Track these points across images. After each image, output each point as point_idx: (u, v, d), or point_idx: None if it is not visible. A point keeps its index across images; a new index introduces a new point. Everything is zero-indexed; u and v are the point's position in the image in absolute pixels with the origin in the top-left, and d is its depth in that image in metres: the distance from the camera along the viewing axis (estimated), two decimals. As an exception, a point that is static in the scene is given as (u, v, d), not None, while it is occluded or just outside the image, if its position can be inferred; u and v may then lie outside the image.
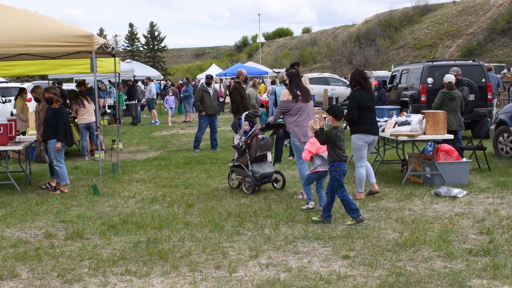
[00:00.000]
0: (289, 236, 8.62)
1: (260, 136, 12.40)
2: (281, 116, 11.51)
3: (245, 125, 12.59)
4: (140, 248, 8.18)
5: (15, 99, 18.41)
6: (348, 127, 11.93)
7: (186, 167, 15.53)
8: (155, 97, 33.95)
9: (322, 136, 9.60)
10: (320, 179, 10.49)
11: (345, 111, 11.10)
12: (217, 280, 6.87)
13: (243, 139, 12.44)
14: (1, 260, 7.77)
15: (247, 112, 13.08)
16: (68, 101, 19.91)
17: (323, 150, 10.09)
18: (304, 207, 10.49)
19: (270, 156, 12.63)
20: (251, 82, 21.11)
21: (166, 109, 33.48)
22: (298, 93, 11.36)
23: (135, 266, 7.42)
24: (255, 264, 7.45)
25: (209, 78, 20.10)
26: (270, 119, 12.97)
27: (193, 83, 41.60)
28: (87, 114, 17.55)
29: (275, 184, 12.45)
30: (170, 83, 39.01)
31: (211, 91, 19.08)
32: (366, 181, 11.43)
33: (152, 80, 34.76)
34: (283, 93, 11.56)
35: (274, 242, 8.36)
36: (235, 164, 12.62)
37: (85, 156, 17.77)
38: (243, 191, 12.18)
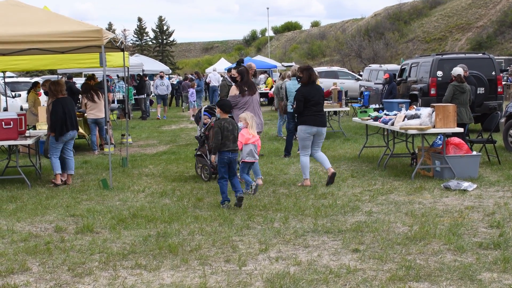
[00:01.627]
0: (298, 230, 8.63)
1: None
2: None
3: (204, 118, 13.08)
4: (150, 242, 8.20)
5: (28, 92, 18.46)
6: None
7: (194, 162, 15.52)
8: (169, 92, 33.60)
9: (214, 147, 10.70)
10: (252, 166, 11.48)
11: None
12: (226, 273, 6.88)
13: (202, 131, 13.08)
14: (12, 254, 7.80)
15: (206, 106, 13.63)
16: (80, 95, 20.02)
17: (253, 141, 11.10)
18: (248, 191, 11.21)
19: None
20: (281, 75, 20.97)
21: (189, 103, 33.18)
22: (245, 88, 12.43)
23: (145, 259, 7.44)
24: (264, 257, 7.45)
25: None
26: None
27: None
28: (96, 109, 17.53)
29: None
30: (191, 76, 38.83)
31: None
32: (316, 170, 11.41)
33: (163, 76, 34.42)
34: (232, 89, 12.66)
35: (283, 236, 8.36)
36: (197, 154, 13.28)
37: (95, 150, 17.80)
38: (202, 178, 12.86)
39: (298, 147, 16.50)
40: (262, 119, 12.78)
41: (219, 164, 10.52)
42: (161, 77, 33.39)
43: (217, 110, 10.98)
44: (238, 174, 11.09)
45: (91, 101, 17.56)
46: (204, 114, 13.19)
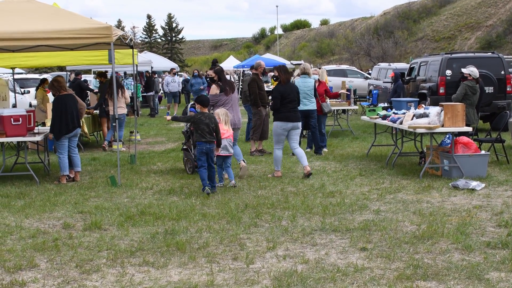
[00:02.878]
0: (306, 228, 8.63)
1: None
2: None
3: (190, 114, 13.37)
4: (157, 239, 8.21)
5: (36, 89, 18.47)
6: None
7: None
8: (180, 89, 32.99)
9: (181, 118, 12.63)
10: (226, 159, 12.13)
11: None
12: (234, 271, 6.88)
13: (188, 126, 13.70)
14: (20, 250, 7.83)
15: (193, 102, 13.86)
16: (87, 92, 20.06)
17: (226, 136, 11.98)
18: (219, 184, 11.93)
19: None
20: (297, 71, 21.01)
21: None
22: (226, 87, 13.26)
23: (153, 257, 7.45)
24: (272, 255, 7.46)
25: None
26: None
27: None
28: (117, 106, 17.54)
29: None
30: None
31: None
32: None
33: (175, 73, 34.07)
34: (212, 88, 13.39)
35: (291, 234, 8.36)
36: (183, 148, 13.99)
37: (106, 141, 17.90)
38: (186, 171, 13.64)
39: (307, 145, 16.60)
40: (240, 116, 13.56)
41: (198, 155, 11.43)
42: (174, 74, 33.12)
43: (197, 105, 11.90)
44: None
45: (109, 98, 17.54)
46: (190, 110, 13.61)
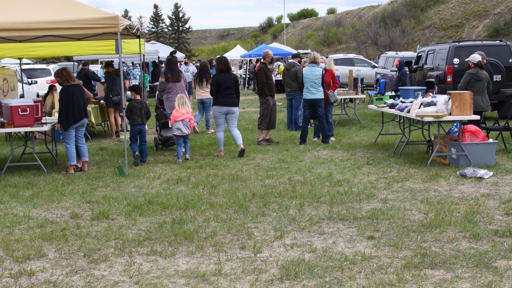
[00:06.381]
0: (313, 217, 8.63)
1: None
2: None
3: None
4: (165, 228, 8.23)
5: (45, 97, 18.22)
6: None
7: (210, 148, 15.56)
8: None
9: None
10: (179, 138, 13.85)
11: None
12: (242, 260, 6.89)
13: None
14: (29, 240, 7.85)
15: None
16: (93, 82, 20.05)
17: (182, 118, 13.77)
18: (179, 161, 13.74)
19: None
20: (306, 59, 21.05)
21: None
22: (169, 75, 15.62)
23: (161, 246, 7.47)
24: (279, 244, 7.46)
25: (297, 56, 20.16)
26: None
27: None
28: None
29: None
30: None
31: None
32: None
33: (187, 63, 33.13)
34: (161, 76, 16.08)
35: (298, 223, 8.37)
36: (156, 129, 16.35)
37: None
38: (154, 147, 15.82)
39: (314, 134, 16.59)
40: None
41: (131, 134, 13.62)
42: (186, 63, 32.25)
43: (131, 93, 14.06)
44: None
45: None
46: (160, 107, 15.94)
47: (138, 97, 13.88)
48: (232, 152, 14.73)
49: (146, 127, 19.95)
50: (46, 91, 18.76)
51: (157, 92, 17.23)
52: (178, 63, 20.03)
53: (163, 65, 35.05)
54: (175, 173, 12.39)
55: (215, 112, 14.48)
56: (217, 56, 16.03)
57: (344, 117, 21.29)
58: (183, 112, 13.90)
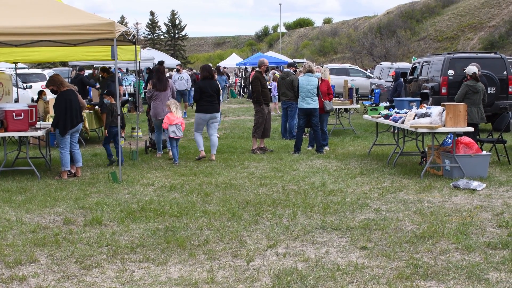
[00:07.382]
0: (307, 226, 8.63)
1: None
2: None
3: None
4: (158, 235, 8.22)
5: (36, 101, 18.10)
6: None
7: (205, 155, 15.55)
8: (189, 86, 31.33)
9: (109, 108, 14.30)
10: (173, 141, 14.46)
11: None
12: (234, 268, 6.89)
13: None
14: (21, 245, 7.84)
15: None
16: (88, 87, 20.02)
17: (176, 123, 14.47)
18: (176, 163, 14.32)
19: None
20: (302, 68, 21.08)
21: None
22: (157, 84, 15.74)
23: (153, 253, 7.46)
24: (272, 253, 7.46)
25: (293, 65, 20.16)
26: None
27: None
28: None
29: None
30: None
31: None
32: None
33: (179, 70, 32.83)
34: (149, 83, 16.38)
35: (291, 232, 8.37)
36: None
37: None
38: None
39: (308, 143, 16.61)
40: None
41: (109, 135, 14.14)
42: (178, 70, 31.70)
43: (108, 97, 14.52)
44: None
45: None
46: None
47: (113, 101, 14.28)
48: (226, 160, 14.74)
49: (140, 132, 20.07)
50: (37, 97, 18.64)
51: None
52: (172, 71, 20.56)
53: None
54: (168, 180, 12.38)
55: (198, 119, 15.03)
56: (202, 64, 16.72)
57: (338, 127, 21.31)
58: (176, 116, 14.57)
